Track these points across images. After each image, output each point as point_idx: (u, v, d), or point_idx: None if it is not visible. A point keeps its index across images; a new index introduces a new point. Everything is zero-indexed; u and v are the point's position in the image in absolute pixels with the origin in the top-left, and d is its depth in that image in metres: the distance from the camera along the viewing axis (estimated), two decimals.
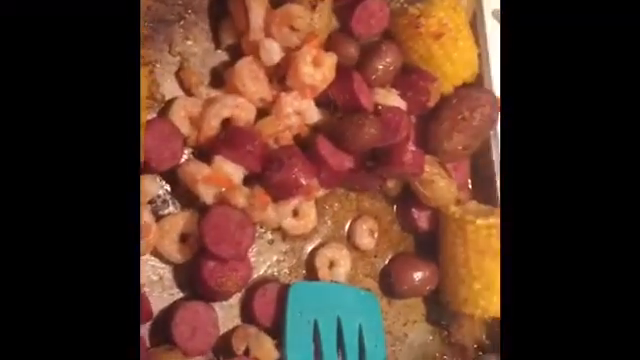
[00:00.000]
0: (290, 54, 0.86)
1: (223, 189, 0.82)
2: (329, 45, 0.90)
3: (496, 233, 0.93)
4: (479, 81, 0.99)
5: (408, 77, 0.95)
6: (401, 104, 0.94)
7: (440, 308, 1.01)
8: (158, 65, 0.84)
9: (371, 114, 0.90)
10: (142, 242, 0.78)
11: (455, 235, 0.96)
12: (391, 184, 0.98)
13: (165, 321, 0.80)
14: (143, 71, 0.75)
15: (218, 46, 0.88)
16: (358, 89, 0.89)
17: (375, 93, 0.93)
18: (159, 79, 0.83)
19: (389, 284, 0.99)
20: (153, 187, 0.80)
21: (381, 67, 0.93)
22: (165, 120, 0.82)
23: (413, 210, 1.00)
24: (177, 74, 0.85)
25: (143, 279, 0.80)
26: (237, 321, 0.87)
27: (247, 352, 0.84)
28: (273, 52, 0.85)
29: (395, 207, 1.01)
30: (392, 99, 0.93)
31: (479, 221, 0.93)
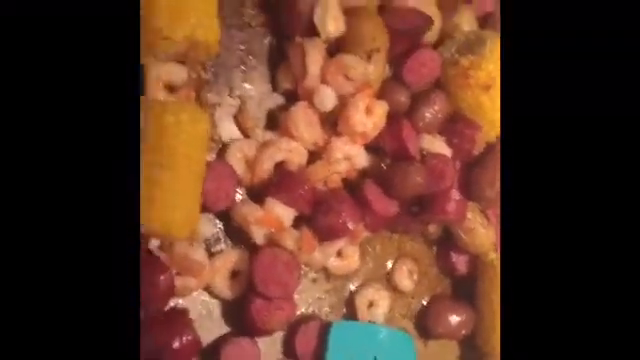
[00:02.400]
0: (343, 101, 0.89)
1: (273, 230, 0.85)
2: (381, 92, 0.93)
3: None
4: None
5: (455, 125, 0.97)
6: (447, 151, 0.96)
7: (473, 351, 1.03)
8: (218, 108, 0.87)
9: (418, 162, 0.92)
10: (194, 279, 0.81)
11: (492, 282, 0.98)
12: (432, 228, 1.00)
13: (212, 355, 0.84)
14: (205, 117, 0.78)
15: (275, 89, 0.91)
16: (407, 137, 0.92)
17: (422, 140, 0.95)
18: (217, 122, 0.87)
19: (425, 325, 1.01)
20: (207, 228, 0.84)
21: (429, 115, 0.95)
22: (223, 162, 0.85)
23: (452, 254, 1.02)
24: (235, 117, 0.88)
25: (194, 313, 0.84)
26: (279, 356, 0.90)
27: None
28: (327, 99, 0.88)
29: (435, 250, 1.04)
30: (438, 145, 0.96)
31: None
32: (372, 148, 0.93)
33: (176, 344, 0.77)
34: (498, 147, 0.98)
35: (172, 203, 0.73)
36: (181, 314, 0.79)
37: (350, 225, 0.87)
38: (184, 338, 0.78)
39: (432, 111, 0.95)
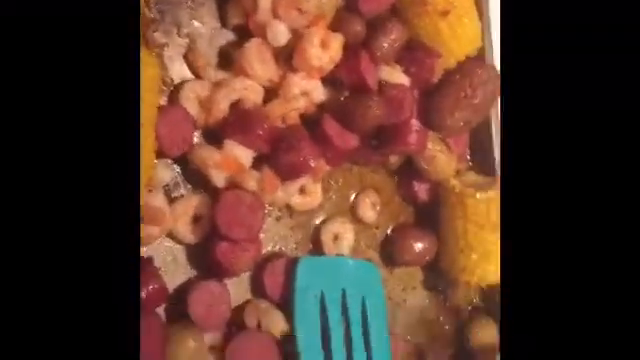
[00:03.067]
0: (297, 35, 0.86)
1: (233, 173, 0.84)
2: (336, 22, 0.90)
3: (494, 207, 0.96)
4: (481, 54, 1.00)
5: (413, 53, 0.95)
6: (405, 80, 0.95)
7: (437, 275, 1.06)
8: (166, 48, 0.83)
9: (376, 94, 0.91)
10: (156, 227, 0.80)
11: (454, 208, 0.99)
12: (393, 158, 1.00)
13: (180, 299, 0.84)
14: (155, 61, 0.75)
15: (225, 25, 0.88)
16: (365, 68, 0.90)
17: (380, 70, 0.93)
18: (167, 63, 0.83)
19: (390, 254, 1.03)
20: (167, 173, 0.82)
21: (386, 44, 0.93)
22: (177, 106, 0.83)
23: (414, 182, 1.02)
24: (185, 56, 0.85)
25: (159, 260, 0.83)
26: (248, 295, 0.91)
27: (259, 325, 0.88)
28: (280, 34, 0.85)
29: (396, 179, 1.04)
30: (397, 76, 0.94)
31: (478, 195, 0.96)
32: (329, 81, 0.91)
33: (143, 293, 0.77)
34: (456, 74, 0.97)
35: None
36: (146, 263, 0.79)
37: (311, 162, 0.87)
38: (150, 287, 0.78)
39: (389, 40, 0.93)
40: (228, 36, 0.88)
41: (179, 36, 0.85)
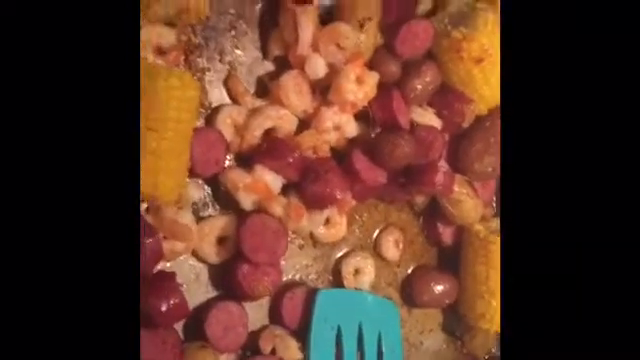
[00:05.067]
0: (334, 70, 0.89)
1: (262, 197, 0.86)
2: (373, 61, 0.92)
3: None
4: None
5: (445, 97, 0.97)
6: (436, 123, 0.97)
7: (456, 319, 1.05)
8: (207, 72, 0.87)
9: (407, 133, 0.92)
10: (181, 243, 0.82)
11: (477, 253, 0.99)
12: (419, 198, 1.01)
13: (199, 318, 0.85)
14: (196, 84, 0.78)
15: (266, 56, 0.91)
16: (397, 108, 0.92)
17: (412, 111, 0.96)
18: (207, 87, 0.86)
19: (409, 294, 1.03)
20: (197, 191, 0.84)
21: (420, 86, 0.95)
22: (212, 128, 0.85)
23: (438, 224, 1.03)
24: (225, 82, 0.88)
25: (181, 277, 0.85)
26: (265, 321, 0.91)
27: (273, 352, 0.88)
28: (318, 67, 0.88)
29: (421, 220, 1.05)
30: (428, 118, 0.96)
31: None
32: (362, 118, 0.94)
33: (164, 307, 0.78)
34: (487, 121, 0.99)
35: (159, 166, 0.74)
36: (169, 277, 0.80)
37: (338, 194, 0.88)
38: (171, 301, 0.79)
39: (423, 82, 0.95)
40: (268, 67, 0.91)
41: (221, 63, 0.88)
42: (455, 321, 1.06)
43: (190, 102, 0.77)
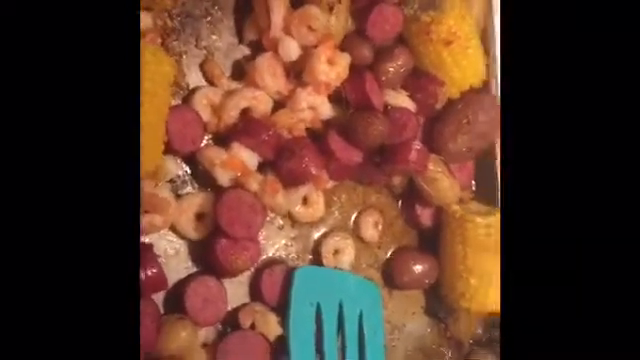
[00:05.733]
0: (307, 52, 0.92)
1: (238, 174, 0.89)
2: (344, 46, 0.96)
3: (494, 232, 0.98)
4: (486, 87, 1.04)
5: (418, 80, 1.00)
6: (410, 105, 1.00)
7: (439, 302, 1.06)
8: (184, 56, 0.90)
9: (381, 113, 0.95)
10: (160, 217, 0.84)
11: (455, 233, 1.01)
12: (397, 180, 1.04)
13: (179, 292, 0.87)
14: (170, 60, 0.81)
15: (241, 41, 0.95)
16: (370, 88, 0.95)
17: (385, 94, 0.99)
18: (185, 69, 0.90)
19: (390, 275, 1.04)
20: (174, 167, 0.87)
21: (392, 69, 0.98)
22: (188, 107, 0.89)
23: (417, 206, 1.05)
24: (202, 66, 0.92)
25: (160, 251, 0.87)
26: (245, 299, 0.93)
27: (253, 327, 0.89)
28: (291, 49, 0.92)
29: (400, 203, 1.07)
30: (401, 100, 0.99)
31: (478, 219, 0.98)
32: (336, 101, 0.97)
33: (142, 276, 0.80)
34: (459, 103, 1.02)
35: None
36: (147, 249, 0.82)
37: (313, 170, 0.91)
38: (149, 272, 0.81)
39: (395, 66, 0.98)
40: (243, 51, 0.95)
41: (197, 47, 0.92)
42: (437, 304, 1.07)
43: (164, 77, 0.80)
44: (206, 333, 0.88)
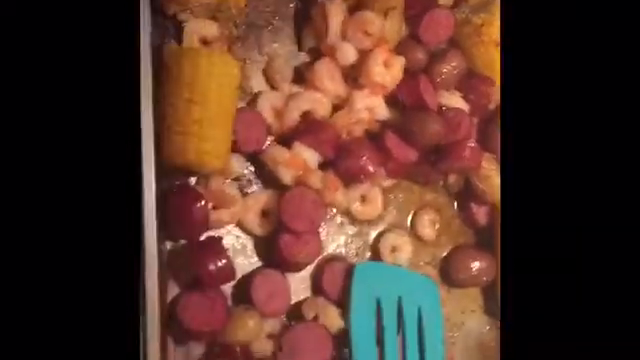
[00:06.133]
0: (363, 56, 0.97)
1: (300, 172, 0.93)
2: (399, 50, 1.00)
3: None
4: None
5: (470, 81, 1.03)
6: (463, 105, 1.02)
7: (496, 301, 1.07)
8: (248, 61, 0.97)
9: (435, 113, 0.99)
10: (228, 211, 0.89)
11: None
12: (452, 180, 1.06)
13: (245, 286, 0.91)
14: (236, 64, 0.87)
15: (301, 48, 1.00)
16: (424, 90, 0.98)
17: (439, 95, 1.02)
18: (249, 74, 0.96)
19: (448, 273, 1.06)
20: (239, 165, 0.92)
21: (446, 71, 1.02)
22: (252, 109, 0.94)
23: (472, 205, 1.07)
24: (264, 71, 0.98)
25: (228, 246, 0.92)
26: (308, 293, 0.96)
27: (315, 319, 0.93)
28: (348, 54, 0.96)
29: (456, 202, 1.09)
30: (455, 101, 1.02)
31: None
32: (392, 103, 1.01)
33: (212, 267, 0.85)
34: None
35: (203, 134, 0.83)
36: (216, 241, 0.87)
37: (371, 168, 0.94)
38: (219, 263, 0.85)
39: (448, 67, 1.02)
40: (303, 58, 1.00)
41: (260, 54, 0.98)
42: (496, 303, 1.08)
43: (231, 79, 0.86)
44: (272, 324, 0.92)
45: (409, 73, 0.99)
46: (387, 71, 0.96)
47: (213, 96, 0.83)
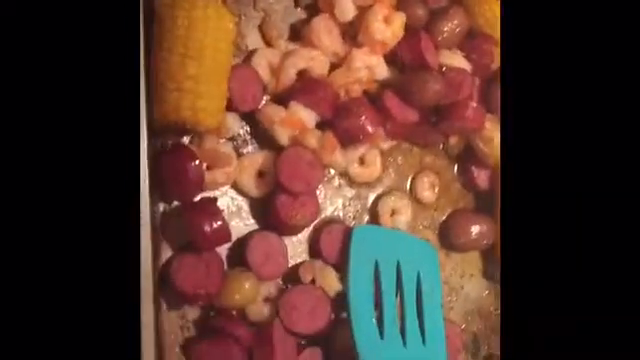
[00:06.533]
0: (363, 12, 0.93)
1: (297, 131, 0.90)
2: (399, 7, 0.97)
3: None
4: None
5: (473, 40, 1.00)
6: (465, 65, 1.00)
7: (496, 265, 1.06)
8: (243, 18, 0.93)
9: (436, 72, 0.96)
10: (223, 172, 0.87)
11: None
12: (453, 141, 1.04)
13: (241, 249, 0.89)
14: (232, 17, 0.84)
15: (297, 4, 0.97)
16: (425, 48, 0.95)
17: (441, 54, 0.99)
18: (244, 31, 0.92)
19: (447, 237, 1.04)
20: (234, 124, 0.89)
21: (447, 29, 0.99)
22: (248, 66, 0.91)
23: (473, 168, 1.05)
24: (260, 27, 0.94)
25: (223, 208, 0.89)
26: (305, 256, 0.94)
27: (313, 282, 0.91)
28: (347, 9, 0.93)
29: (456, 165, 1.07)
30: (457, 60, 0.99)
31: None
32: (392, 62, 0.97)
33: (207, 228, 0.82)
34: None
35: (198, 91, 0.79)
36: (211, 202, 0.85)
37: (370, 128, 0.92)
38: (214, 224, 0.83)
39: (450, 25, 0.99)
40: (300, 15, 0.97)
41: (255, 9, 0.94)
42: (495, 267, 1.07)
43: (227, 33, 0.82)
44: (268, 287, 0.90)
45: (409, 31, 0.96)
46: (387, 28, 0.93)
47: (208, 51, 0.79)
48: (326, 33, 0.93)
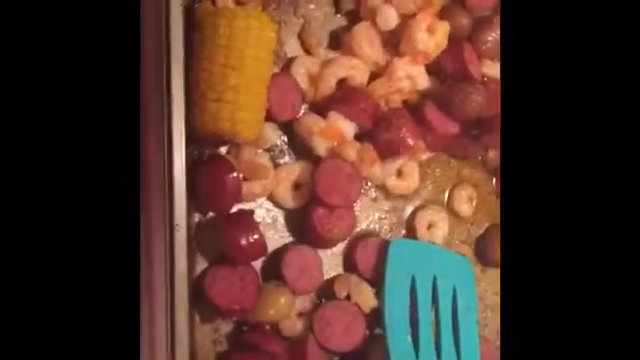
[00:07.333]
0: (406, 21, 0.91)
1: (335, 143, 0.88)
2: (443, 15, 0.94)
3: None
4: None
5: None
6: None
7: None
8: (283, 25, 0.90)
9: (479, 83, 0.93)
10: (260, 183, 0.85)
11: None
12: (492, 154, 1.01)
13: (276, 262, 0.87)
14: (273, 27, 0.81)
15: (338, 11, 0.94)
16: (468, 59, 0.93)
17: (483, 64, 0.96)
18: (283, 38, 0.90)
19: (483, 252, 1.02)
20: (272, 135, 0.87)
21: (491, 39, 0.96)
22: (288, 75, 0.89)
23: None
24: (299, 35, 0.92)
25: (259, 220, 0.87)
26: (340, 270, 0.92)
27: (348, 298, 0.89)
28: (390, 18, 0.90)
29: (494, 179, 1.04)
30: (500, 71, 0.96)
31: None
32: (434, 72, 0.95)
33: (243, 242, 0.80)
34: None
35: (238, 102, 0.77)
36: (248, 215, 0.83)
37: (410, 140, 0.89)
38: (250, 238, 0.81)
39: (494, 35, 0.96)
40: (340, 22, 0.94)
41: (295, 16, 0.91)
42: None
43: (268, 42, 0.80)
44: (302, 302, 0.88)
45: (452, 41, 0.93)
46: (430, 38, 0.91)
47: (249, 61, 0.77)
48: (367, 42, 0.91)
